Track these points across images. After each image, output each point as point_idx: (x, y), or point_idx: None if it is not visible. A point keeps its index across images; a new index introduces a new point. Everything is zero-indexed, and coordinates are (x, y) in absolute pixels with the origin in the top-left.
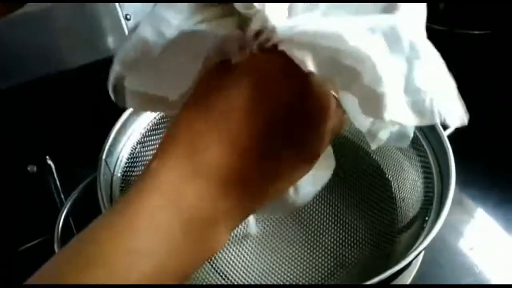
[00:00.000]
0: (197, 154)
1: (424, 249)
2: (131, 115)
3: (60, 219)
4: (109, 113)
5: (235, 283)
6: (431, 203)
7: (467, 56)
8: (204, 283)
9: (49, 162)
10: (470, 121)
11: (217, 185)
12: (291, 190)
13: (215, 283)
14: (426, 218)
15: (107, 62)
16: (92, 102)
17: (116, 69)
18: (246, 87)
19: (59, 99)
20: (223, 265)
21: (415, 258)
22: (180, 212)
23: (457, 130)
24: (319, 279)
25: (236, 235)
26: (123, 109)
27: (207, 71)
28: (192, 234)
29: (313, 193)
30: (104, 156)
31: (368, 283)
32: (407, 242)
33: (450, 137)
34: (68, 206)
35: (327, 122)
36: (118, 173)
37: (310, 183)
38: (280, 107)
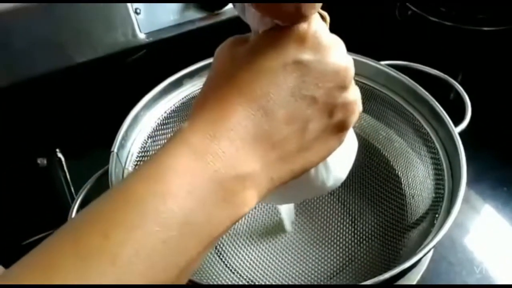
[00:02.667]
0: (224, 116)
1: (433, 246)
2: (142, 109)
3: (72, 212)
4: (119, 107)
5: (245, 279)
6: (442, 200)
7: (477, 52)
8: (215, 278)
9: (59, 155)
10: (480, 118)
11: (244, 145)
12: (321, 167)
13: (225, 278)
14: (436, 215)
15: (118, 56)
16: (103, 96)
17: None
18: (265, 55)
19: (69, 92)
20: (234, 260)
21: (425, 256)
22: (208, 169)
23: (468, 127)
24: (329, 274)
25: (247, 230)
26: (133, 103)
27: (226, 43)
28: (220, 191)
29: (345, 172)
30: (115, 150)
31: (379, 279)
32: (417, 239)
33: (460, 134)
34: (79, 199)
35: (352, 89)
36: (129, 166)
37: (340, 161)
38: (304, 73)
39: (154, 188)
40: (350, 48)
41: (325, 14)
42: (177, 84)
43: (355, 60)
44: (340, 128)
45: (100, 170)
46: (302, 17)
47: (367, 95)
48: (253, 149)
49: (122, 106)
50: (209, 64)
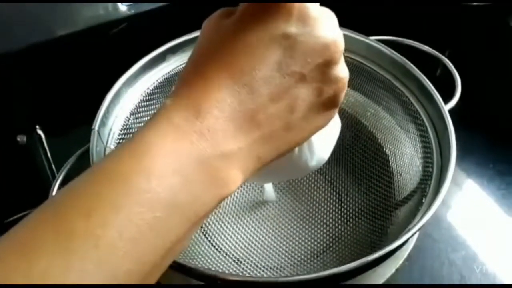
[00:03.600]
0: (208, 93)
1: (421, 227)
2: (123, 85)
3: (52, 191)
4: (101, 83)
5: (231, 257)
6: (430, 179)
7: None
8: (201, 257)
9: (39, 132)
10: (469, 94)
11: (229, 123)
12: (305, 147)
13: (211, 257)
14: (425, 194)
15: (99, 29)
16: (85, 71)
17: None
18: (250, 28)
19: (50, 68)
20: (219, 239)
21: (412, 236)
22: (193, 148)
23: (457, 104)
24: (315, 252)
25: (232, 209)
26: (116, 79)
27: (214, 15)
28: (205, 170)
29: (328, 152)
30: (96, 128)
31: (367, 259)
32: (405, 218)
33: (450, 111)
34: (60, 178)
35: (342, 65)
36: (111, 144)
37: (323, 140)
38: (292, 47)
39: (137, 167)
40: (339, 23)
41: None
42: (160, 59)
43: (344, 35)
44: (329, 106)
45: (81, 149)
46: None
47: (356, 70)
48: (238, 127)
49: (104, 82)
50: (194, 38)
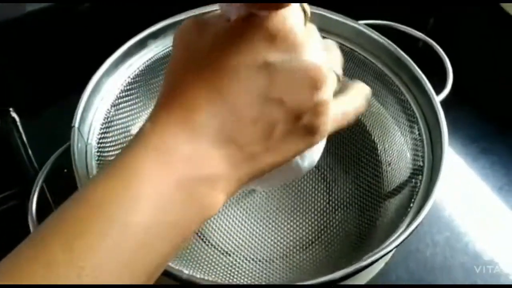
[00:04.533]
0: (189, 116)
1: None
2: (103, 74)
3: (32, 200)
4: (75, 63)
5: (218, 249)
6: (421, 174)
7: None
8: (187, 250)
9: (13, 114)
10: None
11: (211, 147)
12: (297, 157)
13: (197, 250)
14: (416, 190)
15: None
16: (57, 52)
17: None
18: (232, 51)
19: (19, 46)
20: (206, 230)
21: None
22: (175, 173)
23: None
24: (303, 243)
25: None
26: (90, 58)
27: (185, 27)
28: (188, 195)
29: (318, 153)
30: (76, 125)
31: (361, 264)
32: (394, 211)
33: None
34: (39, 183)
35: (326, 89)
36: (93, 140)
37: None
38: (274, 73)
39: (119, 195)
40: (327, 6)
41: (307, 7)
42: (141, 45)
43: (331, 19)
44: (310, 131)
45: (61, 148)
46: (283, 6)
47: (345, 56)
48: (220, 150)
49: (78, 61)
50: (177, 22)
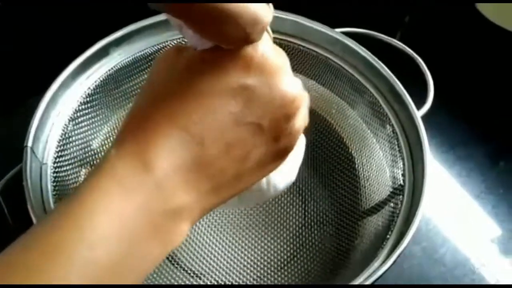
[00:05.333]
0: (156, 144)
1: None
2: (59, 88)
3: None
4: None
5: (190, 273)
6: (401, 193)
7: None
8: (154, 272)
9: None
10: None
11: (177, 177)
12: (263, 181)
13: (164, 272)
14: (397, 211)
15: None
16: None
17: None
18: (205, 77)
19: None
20: (176, 251)
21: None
22: (139, 207)
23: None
24: (280, 263)
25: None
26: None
27: (168, 52)
28: (152, 229)
29: (287, 182)
30: (30, 144)
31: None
32: (374, 229)
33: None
34: None
35: (300, 115)
36: (49, 160)
37: (282, 170)
38: (250, 99)
39: (79, 235)
40: (303, 13)
41: (269, 29)
42: (102, 53)
43: (307, 27)
44: (281, 155)
45: (12, 171)
46: (251, 42)
47: (321, 65)
48: (187, 180)
49: (33, 73)
50: (143, 28)
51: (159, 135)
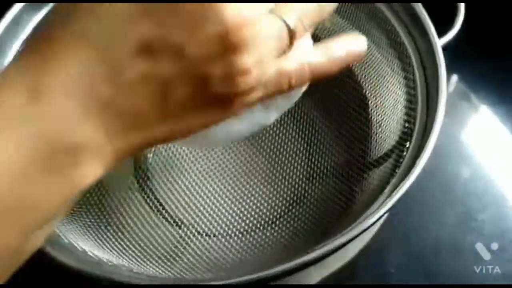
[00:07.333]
0: (55, 67)
1: (388, 209)
2: None
3: None
4: None
5: (169, 220)
6: (410, 138)
7: None
8: (154, 231)
9: None
10: None
11: (78, 108)
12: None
13: (144, 219)
14: (401, 160)
15: None
16: None
17: None
18: None
19: None
20: (156, 194)
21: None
22: (30, 139)
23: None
24: (270, 217)
25: (173, 156)
26: None
27: None
28: (45, 162)
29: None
30: None
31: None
32: (376, 185)
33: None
34: None
35: (254, 50)
36: None
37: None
38: (166, 20)
39: None
40: None
41: None
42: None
43: None
44: (221, 102)
45: None
46: None
47: None
48: (91, 114)
49: None
50: None
51: (58, 57)
